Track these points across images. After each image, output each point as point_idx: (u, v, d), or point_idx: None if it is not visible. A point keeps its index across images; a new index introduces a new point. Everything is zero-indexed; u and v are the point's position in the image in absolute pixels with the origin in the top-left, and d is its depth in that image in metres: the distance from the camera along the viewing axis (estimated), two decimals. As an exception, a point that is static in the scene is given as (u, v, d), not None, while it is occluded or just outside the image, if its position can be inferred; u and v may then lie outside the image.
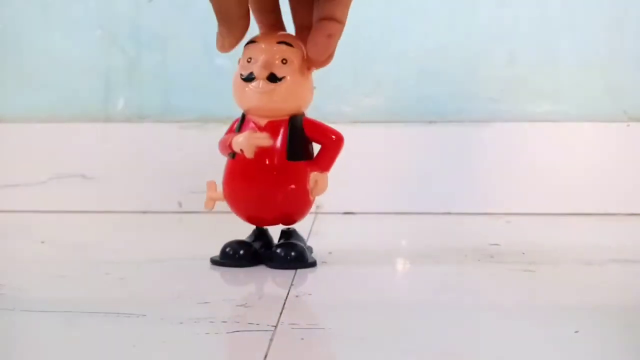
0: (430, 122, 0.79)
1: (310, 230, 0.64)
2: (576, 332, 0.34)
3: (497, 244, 0.58)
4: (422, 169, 0.79)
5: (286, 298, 0.40)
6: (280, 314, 0.36)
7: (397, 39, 0.81)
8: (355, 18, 0.81)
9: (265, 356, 0.30)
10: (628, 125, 0.78)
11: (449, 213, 0.78)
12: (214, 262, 0.49)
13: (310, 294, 0.42)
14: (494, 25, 0.80)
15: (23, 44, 0.83)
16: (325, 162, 0.48)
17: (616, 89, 0.79)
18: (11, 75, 0.82)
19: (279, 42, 0.47)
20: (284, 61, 0.47)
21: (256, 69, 0.46)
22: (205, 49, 0.82)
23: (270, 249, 0.49)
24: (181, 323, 0.35)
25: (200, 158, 0.77)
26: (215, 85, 0.82)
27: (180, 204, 0.79)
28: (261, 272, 0.47)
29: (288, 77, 0.47)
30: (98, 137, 0.79)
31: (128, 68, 0.82)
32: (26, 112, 0.81)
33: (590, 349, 0.32)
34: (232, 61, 0.83)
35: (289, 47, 0.47)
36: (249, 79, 0.47)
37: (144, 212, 0.77)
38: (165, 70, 0.82)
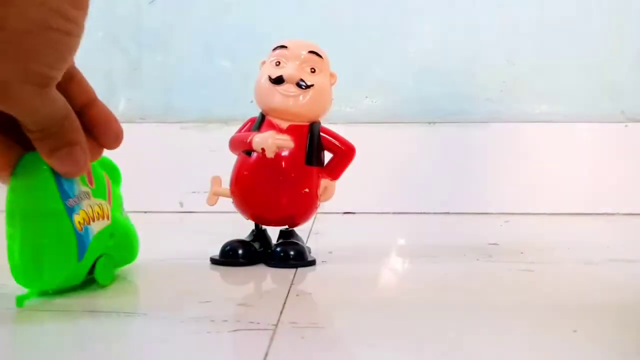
0: (430, 122, 0.80)
1: (311, 230, 0.65)
2: (575, 331, 0.34)
3: (495, 244, 0.59)
4: (421, 169, 0.79)
5: (286, 297, 0.40)
6: (281, 312, 0.37)
7: (397, 40, 0.81)
8: (356, 19, 0.82)
9: (266, 355, 0.30)
10: (626, 126, 0.79)
11: (448, 213, 0.78)
12: (214, 261, 0.49)
13: (310, 293, 0.43)
14: (493, 27, 0.80)
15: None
16: (336, 170, 0.50)
17: (614, 90, 0.79)
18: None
19: (310, 52, 0.49)
20: (313, 70, 0.48)
21: (287, 73, 0.47)
22: (205, 50, 0.82)
23: (269, 249, 0.50)
24: (182, 322, 0.35)
25: (201, 158, 0.77)
26: (215, 86, 0.82)
27: (181, 204, 0.79)
28: (261, 271, 0.48)
29: (315, 86, 0.48)
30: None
31: (129, 69, 0.82)
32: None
33: (589, 348, 0.32)
34: (232, 63, 0.83)
35: (318, 58, 0.49)
36: (278, 81, 0.47)
37: (145, 212, 0.77)
38: (166, 71, 0.82)
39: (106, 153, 0.43)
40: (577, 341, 0.33)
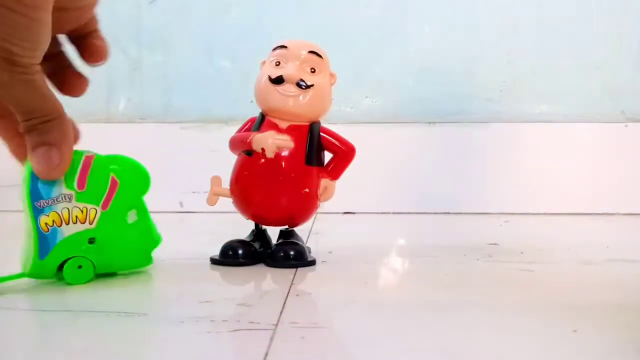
0: (430, 122, 0.80)
1: (311, 230, 0.65)
2: (574, 331, 0.34)
3: (495, 244, 0.59)
4: (421, 169, 0.79)
5: (286, 297, 0.40)
6: (281, 312, 0.37)
7: (397, 40, 0.81)
8: (356, 19, 0.82)
9: (266, 355, 0.30)
10: (626, 126, 0.79)
11: (448, 213, 0.78)
12: (214, 261, 0.49)
13: (310, 293, 0.43)
14: (493, 27, 0.80)
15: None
16: (336, 170, 0.50)
17: (614, 90, 0.80)
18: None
19: (310, 52, 0.49)
20: (313, 70, 0.48)
21: (287, 73, 0.47)
22: (205, 51, 0.82)
23: (269, 249, 0.50)
24: (182, 322, 0.35)
25: (201, 158, 0.77)
26: (215, 86, 0.82)
27: (181, 204, 0.79)
28: (261, 271, 0.48)
29: (315, 86, 0.48)
30: (100, 137, 0.80)
31: (129, 69, 0.82)
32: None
33: (589, 348, 0.32)
34: (232, 63, 0.83)
35: (318, 58, 0.49)
36: (278, 81, 0.47)
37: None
38: (166, 72, 0.82)
39: (105, 152, 0.44)
40: (577, 341, 0.33)
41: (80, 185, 0.42)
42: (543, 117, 0.80)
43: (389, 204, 0.79)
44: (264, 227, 0.51)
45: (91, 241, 0.43)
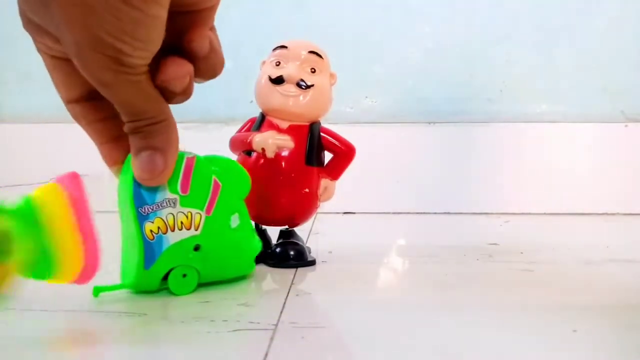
0: (430, 122, 0.80)
1: (311, 230, 0.65)
2: (574, 331, 0.34)
3: (495, 244, 0.59)
4: (421, 169, 0.79)
5: (286, 297, 0.40)
6: (281, 312, 0.37)
7: (397, 40, 0.81)
8: (356, 19, 0.82)
9: (266, 355, 0.30)
10: (626, 126, 0.79)
11: (448, 213, 0.78)
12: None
13: (310, 293, 0.43)
14: (493, 27, 0.80)
15: (24, 45, 0.83)
16: (336, 170, 0.50)
17: (614, 90, 0.79)
18: (12, 76, 0.82)
19: (310, 52, 0.49)
20: (313, 70, 0.48)
21: (287, 73, 0.47)
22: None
23: (269, 249, 0.50)
24: (182, 322, 0.35)
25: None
26: (216, 86, 0.82)
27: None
28: (261, 271, 0.48)
29: (315, 86, 0.48)
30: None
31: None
32: (27, 113, 0.81)
33: (589, 348, 0.32)
34: (233, 63, 0.83)
35: (318, 58, 0.49)
36: (278, 81, 0.47)
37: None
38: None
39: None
40: (577, 341, 0.33)
41: (184, 188, 0.39)
42: (543, 117, 0.80)
43: (389, 204, 0.79)
44: (264, 227, 0.51)
45: (197, 248, 0.40)
